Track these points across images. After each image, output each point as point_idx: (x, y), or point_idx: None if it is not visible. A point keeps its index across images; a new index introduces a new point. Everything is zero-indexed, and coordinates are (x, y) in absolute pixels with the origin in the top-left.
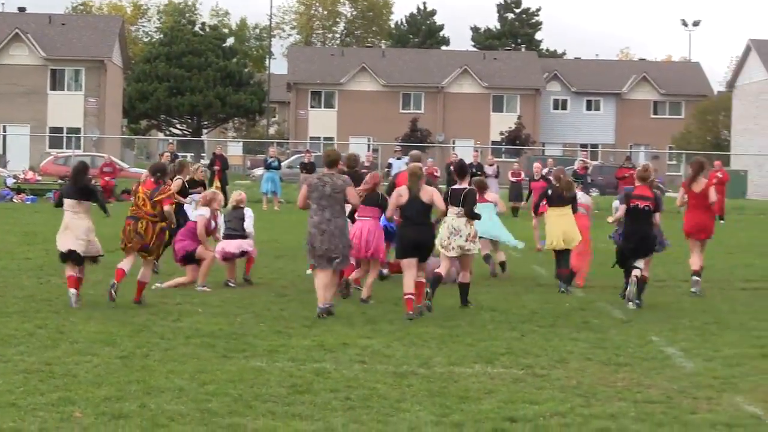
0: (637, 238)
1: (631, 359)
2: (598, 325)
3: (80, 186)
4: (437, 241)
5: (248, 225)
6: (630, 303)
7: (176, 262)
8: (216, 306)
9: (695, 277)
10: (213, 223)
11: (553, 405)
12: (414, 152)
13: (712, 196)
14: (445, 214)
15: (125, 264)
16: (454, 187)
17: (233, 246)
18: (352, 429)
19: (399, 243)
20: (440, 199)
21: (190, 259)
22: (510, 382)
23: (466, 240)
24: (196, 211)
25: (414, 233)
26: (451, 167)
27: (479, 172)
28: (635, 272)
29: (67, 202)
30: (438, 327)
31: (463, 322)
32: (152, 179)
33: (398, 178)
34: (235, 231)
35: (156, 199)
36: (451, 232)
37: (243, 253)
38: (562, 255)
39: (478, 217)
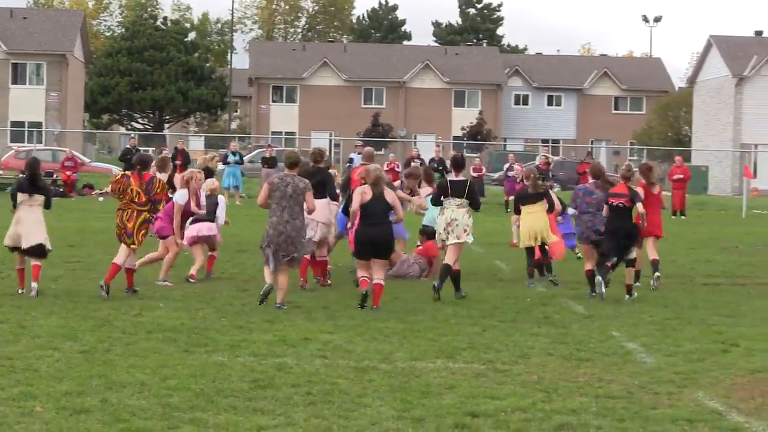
0: (621, 234)
1: (593, 354)
2: (560, 321)
3: (34, 181)
4: (437, 232)
5: (220, 213)
6: (602, 291)
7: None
8: (178, 300)
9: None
10: (193, 204)
11: (514, 400)
12: (367, 149)
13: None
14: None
15: (119, 259)
16: (453, 179)
17: (206, 228)
18: (313, 424)
19: (357, 241)
20: (398, 202)
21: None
22: (471, 377)
23: (464, 231)
24: (175, 195)
25: (373, 232)
26: (476, 162)
27: (441, 168)
28: (629, 269)
29: (21, 196)
30: (399, 322)
31: (425, 317)
32: (136, 171)
33: (354, 173)
34: (207, 218)
35: (155, 196)
36: (448, 222)
37: (209, 238)
38: (533, 252)
39: (478, 206)
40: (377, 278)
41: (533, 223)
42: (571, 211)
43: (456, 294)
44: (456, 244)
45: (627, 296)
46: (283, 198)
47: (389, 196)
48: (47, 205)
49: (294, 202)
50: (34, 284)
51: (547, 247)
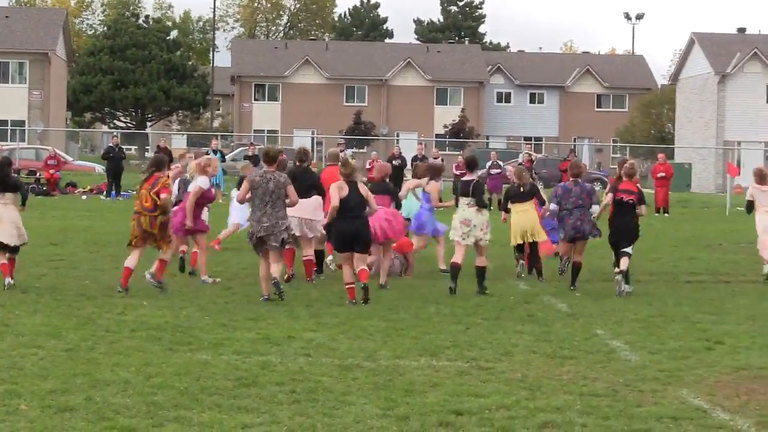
0: (623, 229)
1: (576, 352)
2: (543, 318)
3: (4, 180)
4: (451, 232)
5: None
6: (624, 287)
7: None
8: (161, 299)
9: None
10: (212, 191)
11: (498, 398)
12: (331, 151)
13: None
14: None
15: (131, 261)
16: (464, 179)
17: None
18: (297, 422)
19: (337, 236)
20: (371, 195)
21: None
22: (455, 375)
23: (481, 230)
24: (194, 182)
25: (351, 226)
26: (459, 160)
27: None
28: (623, 262)
29: None
30: (382, 320)
31: (408, 315)
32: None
33: (324, 173)
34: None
35: (154, 190)
36: (462, 221)
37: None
38: (522, 249)
39: (486, 205)
40: (361, 266)
41: (523, 221)
42: (552, 206)
43: (479, 290)
44: (481, 246)
45: (627, 285)
46: (265, 194)
47: (363, 189)
48: (23, 202)
49: (276, 196)
50: (9, 280)
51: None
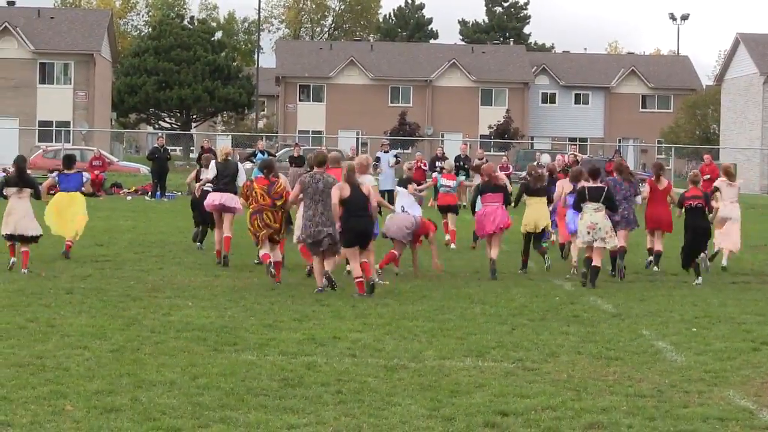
0: (700, 233)
1: (622, 353)
2: (589, 319)
3: (21, 176)
4: (578, 237)
5: (241, 177)
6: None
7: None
8: (206, 300)
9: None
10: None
11: (544, 399)
12: (332, 154)
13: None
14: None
15: (265, 250)
16: (590, 185)
17: (227, 198)
18: (343, 422)
19: (346, 233)
20: (375, 192)
21: None
22: (501, 376)
23: (606, 233)
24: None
25: (359, 224)
26: (504, 161)
27: (466, 165)
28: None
29: (10, 189)
30: (428, 321)
31: (453, 315)
32: (262, 176)
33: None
34: (226, 188)
35: (277, 192)
36: (589, 225)
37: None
38: (530, 240)
39: (617, 208)
40: (364, 259)
41: (535, 212)
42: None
43: (591, 283)
44: (600, 248)
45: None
46: (315, 193)
47: (365, 188)
48: (36, 196)
49: (327, 196)
50: (24, 271)
51: (546, 231)
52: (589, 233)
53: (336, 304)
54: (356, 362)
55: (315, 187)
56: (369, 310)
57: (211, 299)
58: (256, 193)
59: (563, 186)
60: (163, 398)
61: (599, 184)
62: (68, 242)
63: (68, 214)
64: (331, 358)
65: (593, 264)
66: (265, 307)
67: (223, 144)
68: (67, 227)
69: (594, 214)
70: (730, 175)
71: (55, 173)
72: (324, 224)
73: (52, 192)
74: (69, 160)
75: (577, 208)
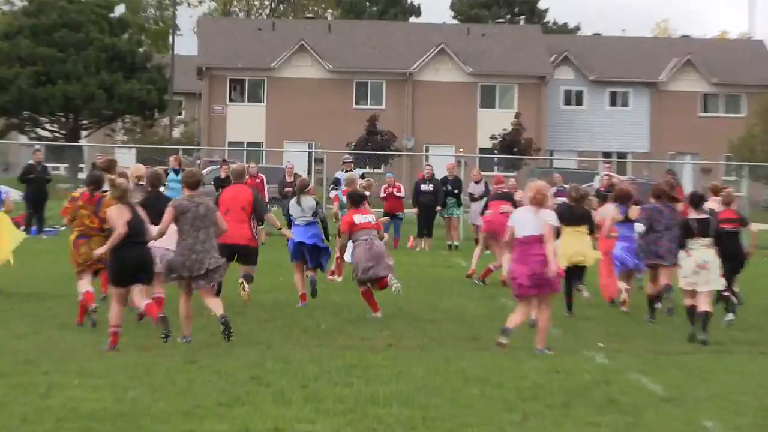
0: (737, 259)
1: None
2: (629, 404)
3: None
4: (681, 277)
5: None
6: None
7: None
8: (99, 375)
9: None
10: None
11: None
12: (235, 167)
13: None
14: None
15: (85, 285)
16: (695, 217)
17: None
18: None
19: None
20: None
21: None
22: None
23: (716, 273)
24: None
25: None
26: (511, 182)
27: (455, 190)
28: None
29: None
30: (406, 406)
31: (441, 399)
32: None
33: (226, 193)
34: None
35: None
36: (700, 264)
37: None
38: (572, 274)
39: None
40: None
41: (578, 243)
42: (639, 228)
43: (703, 338)
44: (706, 292)
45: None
46: (196, 219)
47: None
48: None
49: (209, 222)
50: None
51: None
52: (696, 273)
53: (279, 382)
54: None
55: (195, 212)
56: (324, 392)
57: (105, 375)
58: (80, 213)
59: (608, 212)
60: None
61: (704, 216)
62: None
63: None
64: None
65: (701, 310)
66: (181, 385)
67: (135, 165)
68: None
69: (705, 252)
70: None
71: None
72: (205, 260)
73: None
74: None
75: (682, 244)
